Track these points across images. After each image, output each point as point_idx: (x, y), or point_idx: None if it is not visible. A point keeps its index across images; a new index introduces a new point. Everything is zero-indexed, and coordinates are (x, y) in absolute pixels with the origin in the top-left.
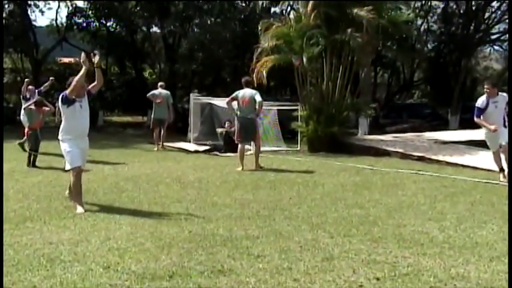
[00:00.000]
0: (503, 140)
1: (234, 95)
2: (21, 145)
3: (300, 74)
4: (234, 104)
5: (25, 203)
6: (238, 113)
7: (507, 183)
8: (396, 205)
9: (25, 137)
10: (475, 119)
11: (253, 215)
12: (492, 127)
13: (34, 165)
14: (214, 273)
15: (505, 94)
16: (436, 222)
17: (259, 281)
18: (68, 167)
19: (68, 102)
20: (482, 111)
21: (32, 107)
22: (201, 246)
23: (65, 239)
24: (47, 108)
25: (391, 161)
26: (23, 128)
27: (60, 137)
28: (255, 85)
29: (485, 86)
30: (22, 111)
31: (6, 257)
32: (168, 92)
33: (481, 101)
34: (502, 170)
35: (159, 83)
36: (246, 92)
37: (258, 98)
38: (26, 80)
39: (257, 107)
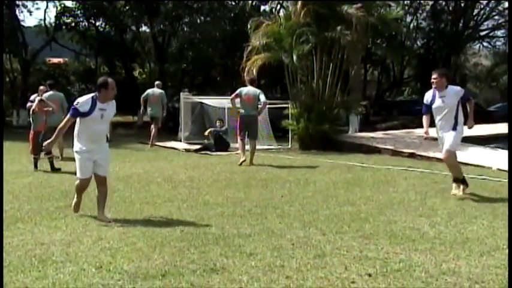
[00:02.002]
0: (447, 144)
1: (237, 91)
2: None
3: (290, 72)
4: (237, 101)
5: (16, 204)
6: (241, 110)
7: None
8: (387, 202)
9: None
10: (423, 116)
11: (245, 213)
12: (424, 130)
13: (36, 167)
14: (206, 272)
15: (458, 88)
16: (427, 218)
17: (251, 278)
18: (77, 175)
19: (84, 114)
20: (428, 107)
21: (36, 109)
22: (193, 245)
23: (57, 239)
24: (49, 109)
25: (382, 158)
26: (12, 128)
27: (74, 149)
28: (247, 83)
29: (433, 76)
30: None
31: None
32: (163, 91)
33: (427, 96)
34: (457, 180)
35: (156, 82)
36: (249, 90)
37: (263, 97)
38: (41, 87)
39: (261, 105)
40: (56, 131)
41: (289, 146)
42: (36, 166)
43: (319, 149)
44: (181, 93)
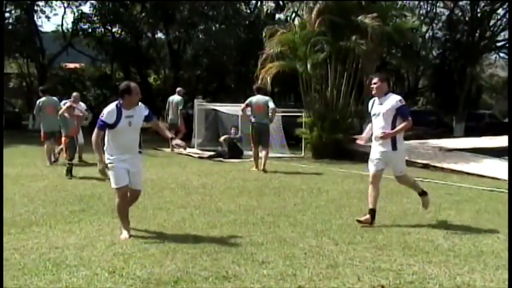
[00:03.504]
0: (398, 171)
1: (248, 101)
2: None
3: (304, 80)
4: (248, 110)
5: (31, 208)
6: (253, 119)
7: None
8: (401, 212)
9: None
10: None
11: (257, 221)
12: (360, 137)
13: (70, 175)
14: (218, 279)
15: (397, 98)
16: (441, 230)
17: (263, 287)
18: (112, 185)
19: (111, 126)
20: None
21: (66, 114)
22: (206, 252)
23: (71, 243)
24: (80, 114)
25: None
26: (28, 132)
27: (106, 161)
28: (254, 91)
29: (372, 81)
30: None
31: (13, 261)
32: (180, 98)
33: (370, 103)
34: (423, 193)
35: (177, 89)
36: (259, 99)
37: (272, 104)
38: (74, 94)
39: (270, 113)
40: (94, 148)
41: (302, 154)
42: (71, 173)
43: (332, 158)
44: (195, 100)
